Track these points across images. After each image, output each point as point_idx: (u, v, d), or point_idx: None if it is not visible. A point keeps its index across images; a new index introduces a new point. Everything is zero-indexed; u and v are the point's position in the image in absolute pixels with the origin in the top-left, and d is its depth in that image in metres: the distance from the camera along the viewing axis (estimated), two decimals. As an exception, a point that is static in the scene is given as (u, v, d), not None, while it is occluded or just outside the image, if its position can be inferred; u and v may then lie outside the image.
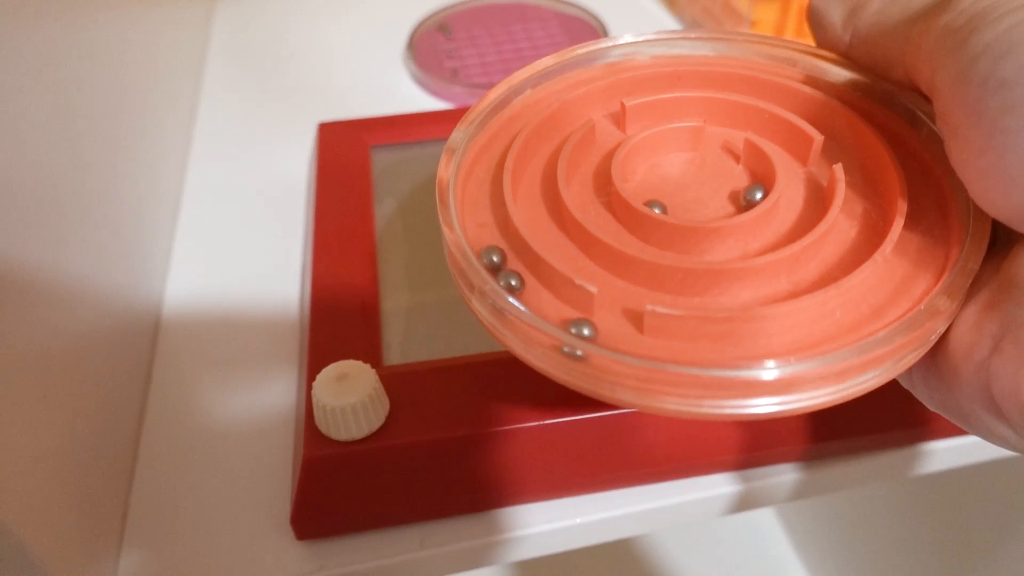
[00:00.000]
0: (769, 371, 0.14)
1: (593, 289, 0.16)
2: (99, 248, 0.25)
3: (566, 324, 0.16)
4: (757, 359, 0.15)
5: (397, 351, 0.25)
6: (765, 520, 0.66)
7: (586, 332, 0.16)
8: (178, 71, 0.40)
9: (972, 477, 0.40)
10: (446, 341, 0.25)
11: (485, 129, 0.21)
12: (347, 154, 0.32)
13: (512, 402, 0.23)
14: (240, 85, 0.43)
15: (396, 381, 0.23)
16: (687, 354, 0.15)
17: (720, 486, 0.24)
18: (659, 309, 0.15)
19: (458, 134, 0.20)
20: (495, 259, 0.17)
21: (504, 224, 0.18)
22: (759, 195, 0.18)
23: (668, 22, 0.48)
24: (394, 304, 0.27)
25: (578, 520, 0.24)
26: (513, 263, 0.18)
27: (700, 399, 0.15)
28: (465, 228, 0.18)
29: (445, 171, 0.19)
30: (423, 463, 0.22)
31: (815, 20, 0.20)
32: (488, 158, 0.20)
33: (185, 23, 0.43)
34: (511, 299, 0.16)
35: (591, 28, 0.46)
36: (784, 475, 0.25)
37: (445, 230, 0.17)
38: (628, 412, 0.23)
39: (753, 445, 0.24)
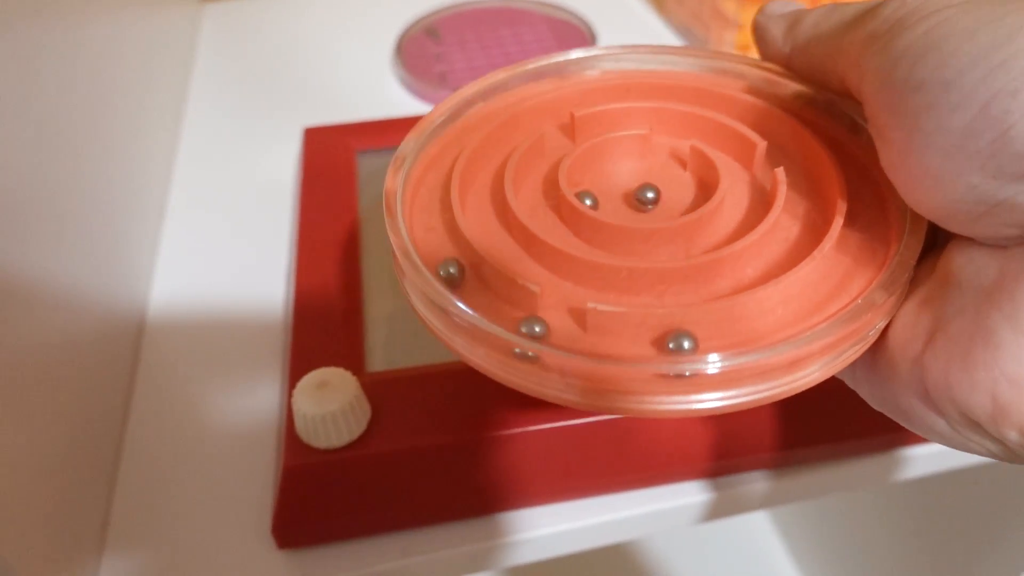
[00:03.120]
0: (712, 365, 0.14)
1: (535, 288, 0.16)
2: (81, 251, 0.25)
3: (516, 324, 0.16)
4: (700, 355, 0.15)
5: (380, 357, 0.25)
6: (759, 523, 0.66)
7: (537, 329, 0.16)
8: (165, 75, 0.40)
9: (963, 480, 0.40)
10: (429, 347, 0.25)
11: (436, 140, 0.21)
12: (332, 159, 0.33)
13: (493, 410, 0.23)
14: (228, 89, 0.43)
15: (378, 388, 0.23)
16: (631, 351, 0.15)
17: (706, 492, 0.24)
18: (601, 307, 0.15)
19: (407, 145, 0.20)
20: (452, 271, 0.17)
21: (452, 229, 0.18)
22: (650, 194, 0.18)
23: (657, 26, 0.49)
24: (378, 310, 0.27)
25: (561, 527, 0.24)
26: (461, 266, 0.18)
27: (644, 395, 0.15)
28: (413, 233, 0.18)
29: (393, 180, 0.19)
30: (404, 471, 0.22)
31: (759, 34, 0.21)
32: (439, 168, 0.20)
33: (173, 27, 0.43)
34: (458, 303, 0.16)
35: (579, 32, 0.46)
36: (772, 480, 0.25)
37: (391, 236, 0.17)
38: (610, 419, 0.23)
39: (747, 449, 0.24)
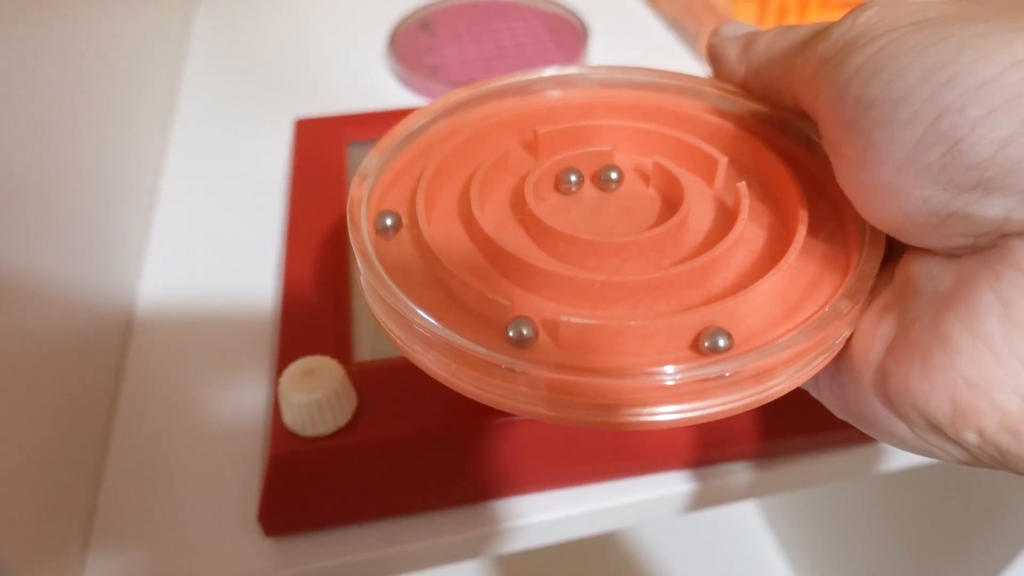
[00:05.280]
0: (670, 376, 0.14)
1: (506, 303, 0.16)
2: (70, 243, 0.25)
3: (491, 338, 0.15)
4: (662, 367, 0.15)
5: (367, 347, 0.25)
6: (748, 514, 0.66)
7: (525, 332, 0.15)
8: (157, 66, 0.39)
9: (952, 471, 0.41)
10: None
11: (400, 156, 0.20)
12: (323, 150, 0.33)
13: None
14: (221, 80, 0.43)
15: (365, 377, 0.23)
16: (604, 364, 0.15)
17: (692, 482, 0.25)
18: (574, 319, 0.15)
19: (371, 160, 0.20)
20: (388, 222, 0.17)
21: (419, 244, 0.18)
22: (613, 174, 0.19)
23: (650, 20, 0.49)
24: (365, 300, 0.27)
25: (547, 515, 0.24)
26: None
27: (610, 407, 0.15)
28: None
29: (357, 190, 0.18)
30: (390, 459, 0.22)
31: (713, 56, 0.21)
32: (403, 184, 0.20)
33: (166, 17, 0.43)
34: (432, 320, 0.16)
35: (572, 27, 0.46)
36: (758, 470, 0.25)
37: (354, 243, 0.17)
38: None
39: (735, 439, 0.24)
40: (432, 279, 0.17)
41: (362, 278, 0.17)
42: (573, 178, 0.20)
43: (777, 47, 0.19)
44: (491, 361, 0.15)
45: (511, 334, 0.15)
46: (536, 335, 0.15)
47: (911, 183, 0.14)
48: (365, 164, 0.19)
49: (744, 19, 0.44)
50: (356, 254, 0.17)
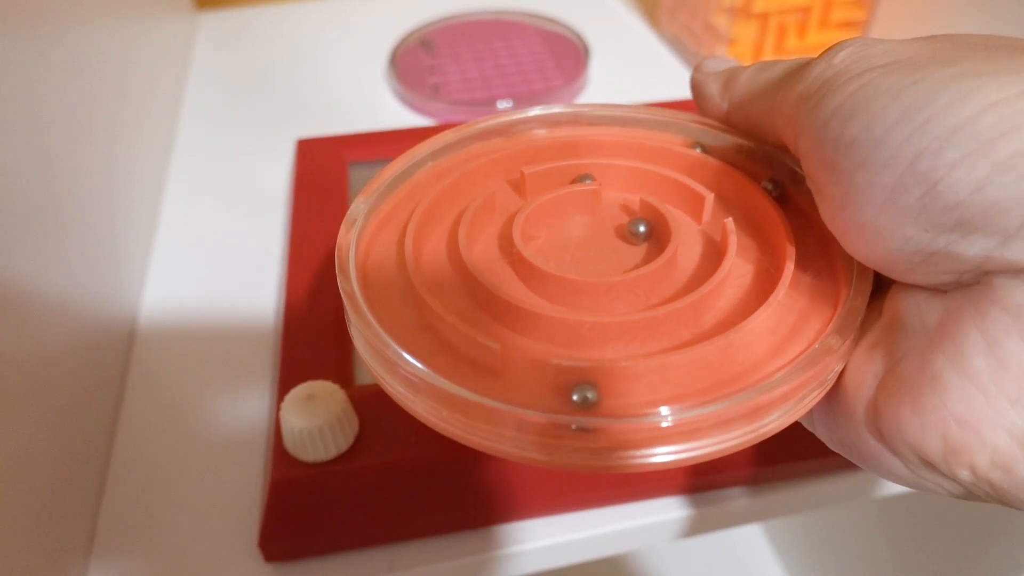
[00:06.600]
0: (665, 418, 0.14)
1: (495, 347, 0.15)
2: (73, 258, 0.25)
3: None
4: (665, 404, 0.15)
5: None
6: (751, 533, 0.66)
7: (589, 396, 0.15)
8: (160, 83, 0.40)
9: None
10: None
11: (387, 200, 0.21)
12: (325, 171, 0.33)
13: None
14: (223, 98, 0.43)
15: (367, 401, 0.23)
16: (597, 407, 0.15)
17: (692, 507, 0.25)
18: (564, 362, 0.15)
19: (358, 205, 0.20)
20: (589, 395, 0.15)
21: (408, 289, 0.18)
22: (641, 227, 0.19)
23: (650, 39, 0.50)
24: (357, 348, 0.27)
25: (548, 541, 0.24)
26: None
27: (604, 451, 0.15)
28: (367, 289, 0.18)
29: (345, 236, 0.18)
30: (391, 485, 0.22)
31: (696, 91, 0.21)
32: (392, 227, 0.20)
33: (168, 36, 0.43)
34: (420, 365, 0.15)
35: (573, 45, 0.46)
36: (758, 496, 0.25)
37: (343, 291, 0.17)
38: None
39: (735, 464, 0.24)
40: (422, 324, 0.17)
41: (351, 325, 0.17)
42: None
43: (757, 83, 0.19)
44: (486, 407, 0.15)
45: (575, 397, 0.15)
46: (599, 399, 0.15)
47: (892, 223, 0.14)
48: (353, 209, 0.20)
49: (744, 39, 0.44)
50: (345, 300, 0.17)
